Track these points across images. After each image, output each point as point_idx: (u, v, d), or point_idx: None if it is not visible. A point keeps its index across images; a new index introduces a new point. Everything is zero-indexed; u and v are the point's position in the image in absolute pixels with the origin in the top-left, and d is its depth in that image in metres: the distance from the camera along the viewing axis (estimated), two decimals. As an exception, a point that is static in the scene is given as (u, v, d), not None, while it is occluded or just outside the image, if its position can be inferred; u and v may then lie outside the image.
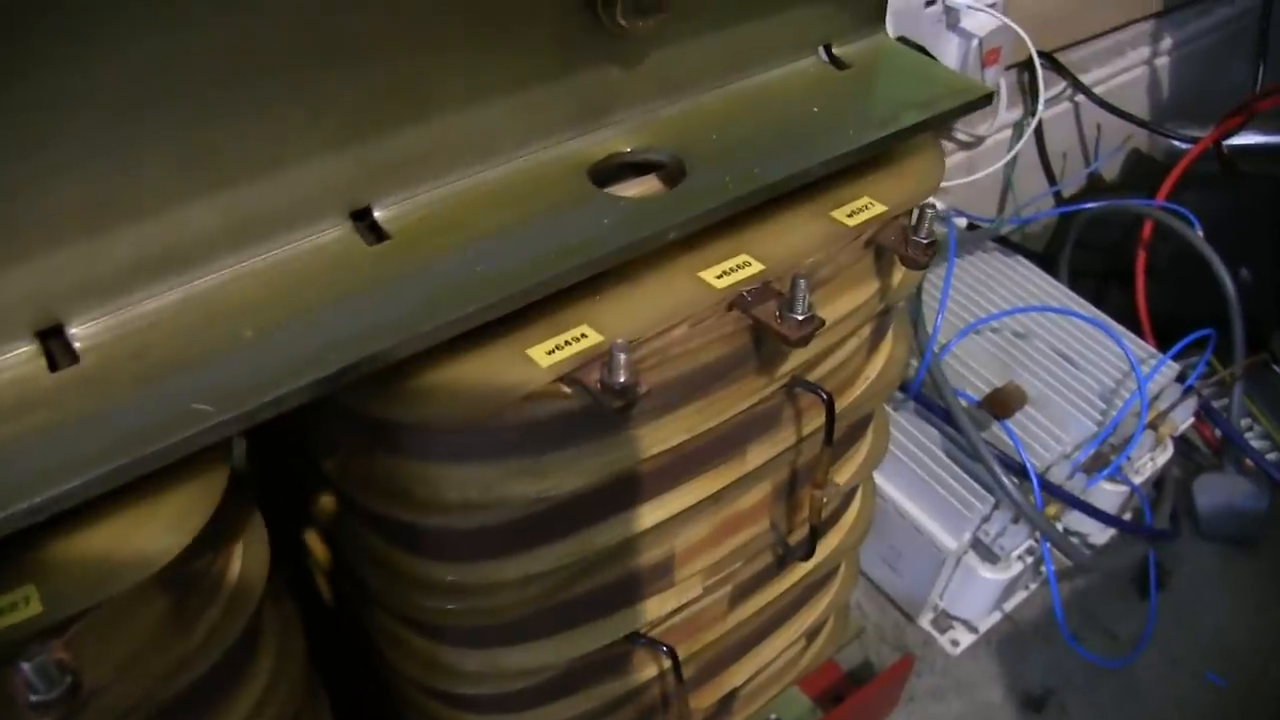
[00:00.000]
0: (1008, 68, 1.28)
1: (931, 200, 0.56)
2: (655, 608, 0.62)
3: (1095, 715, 1.08)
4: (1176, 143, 1.51)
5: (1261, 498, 1.23)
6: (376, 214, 0.49)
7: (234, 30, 0.41)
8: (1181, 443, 1.27)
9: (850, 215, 0.55)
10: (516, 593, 0.55)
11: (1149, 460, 1.18)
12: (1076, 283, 1.29)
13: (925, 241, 0.55)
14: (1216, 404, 1.27)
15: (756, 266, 0.51)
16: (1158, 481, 1.24)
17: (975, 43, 1.15)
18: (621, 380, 0.44)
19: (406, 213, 0.49)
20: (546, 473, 0.50)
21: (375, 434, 0.49)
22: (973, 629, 1.15)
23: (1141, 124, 1.48)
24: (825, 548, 0.71)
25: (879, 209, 0.56)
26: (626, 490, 0.55)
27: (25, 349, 0.43)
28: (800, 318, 0.49)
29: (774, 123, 0.57)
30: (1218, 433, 1.28)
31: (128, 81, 0.40)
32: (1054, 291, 1.23)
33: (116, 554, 0.41)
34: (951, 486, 1.05)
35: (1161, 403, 1.15)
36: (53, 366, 0.43)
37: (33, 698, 0.37)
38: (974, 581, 1.09)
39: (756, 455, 0.60)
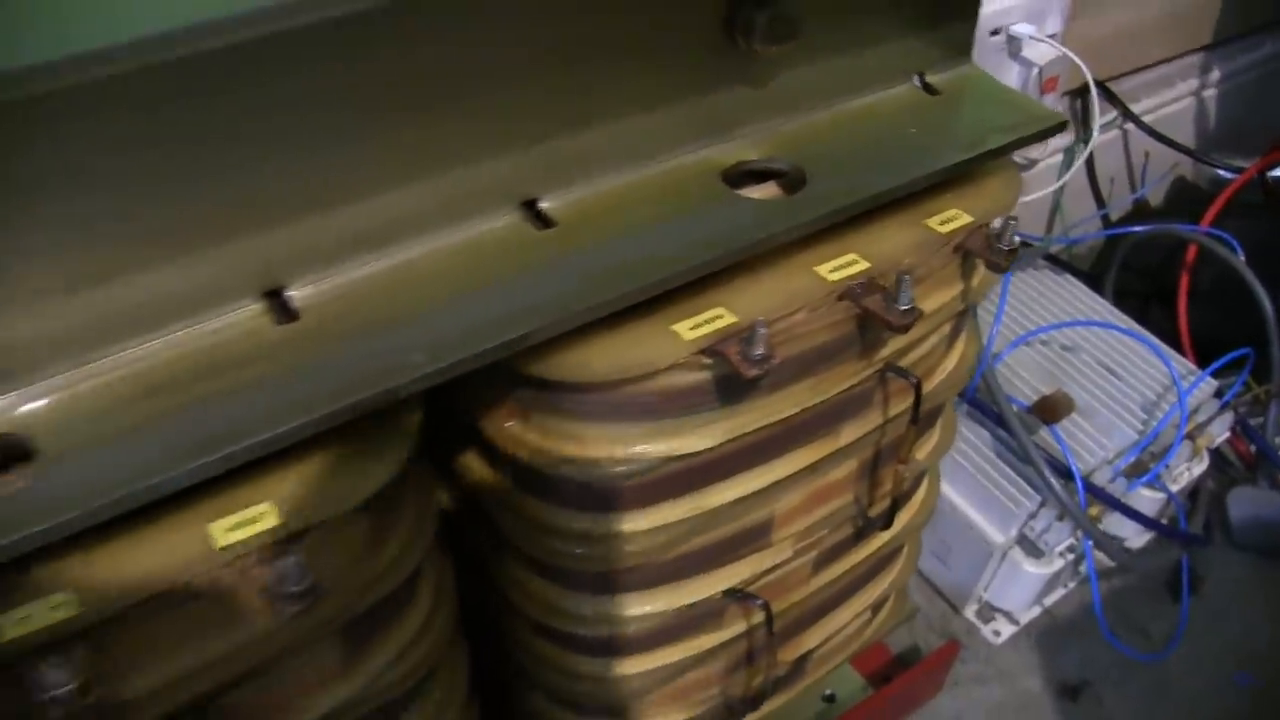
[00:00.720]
0: (1062, 95, 1.36)
1: (1014, 213, 0.65)
2: (753, 566, 0.71)
3: (1128, 706, 1.16)
4: (1221, 172, 1.59)
5: (1292, 510, 1.31)
6: (543, 204, 0.57)
7: (453, 51, 0.50)
8: (1216, 456, 1.35)
9: (942, 224, 0.64)
10: (641, 543, 0.63)
11: (1185, 470, 1.25)
12: (1120, 302, 1.37)
13: (1007, 249, 0.64)
14: (1252, 421, 1.35)
15: (863, 264, 0.60)
16: (1192, 492, 1.31)
17: (1035, 71, 1.24)
18: (760, 352, 0.53)
19: (569, 205, 0.58)
20: (679, 434, 0.59)
21: (536, 394, 0.58)
22: (1014, 621, 1.23)
23: (1188, 153, 1.56)
24: (897, 524, 0.80)
25: (966, 219, 0.65)
26: (740, 456, 0.64)
27: (253, 307, 0.52)
28: (904, 308, 0.58)
29: (877, 140, 0.65)
30: (1252, 448, 1.35)
31: (375, 85, 0.49)
32: (1099, 308, 1.31)
33: (338, 480, 0.50)
34: (1001, 485, 1.13)
35: (1199, 416, 1.23)
36: (277, 322, 0.52)
37: (291, 588, 0.46)
38: (1018, 575, 1.17)
39: (850, 432, 0.68)
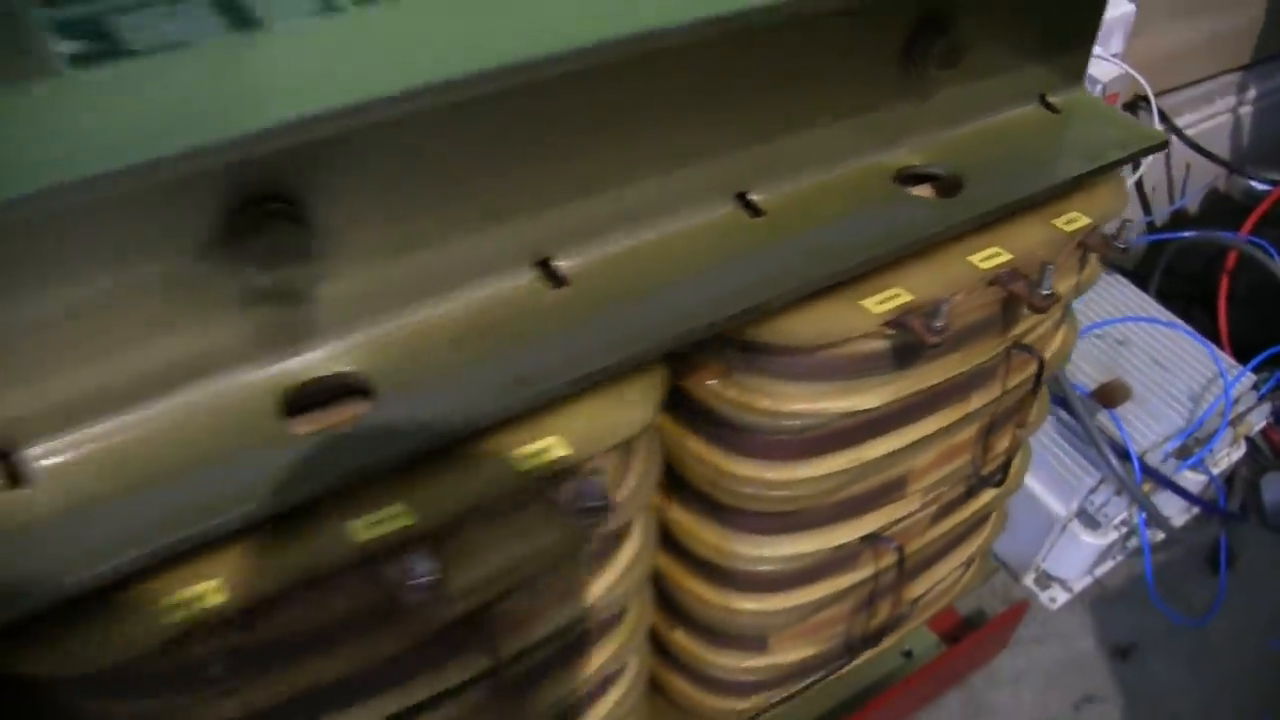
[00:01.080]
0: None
1: (1129, 215, 0.77)
2: (889, 515, 0.83)
3: (1173, 666, 1.29)
4: (1254, 184, 1.72)
5: (1321, 496, 1.44)
6: (753, 197, 0.69)
7: (692, 79, 0.62)
8: (1250, 444, 1.47)
9: (1067, 224, 0.76)
10: (808, 489, 0.76)
11: (1226, 455, 1.38)
12: (1164, 303, 1.49)
13: (1123, 247, 0.76)
14: (1284, 413, 1.48)
15: (1006, 255, 0.72)
16: (1229, 477, 1.44)
17: (1099, 87, 1.36)
18: (940, 324, 0.65)
19: (773, 198, 0.69)
20: (855, 394, 0.71)
21: (741, 355, 0.69)
22: (1068, 589, 1.36)
23: (1226, 165, 1.69)
24: (992, 491, 0.92)
25: (1086, 220, 0.77)
26: (894, 416, 0.76)
27: (530, 274, 0.63)
28: (1045, 292, 0.70)
29: (1014, 151, 0.78)
30: (1284, 438, 1.48)
31: (628, 109, 0.60)
32: (1149, 306, 1.44)
33: (610, 419, 0.62)
34: (1064, 462, 1.25)
35: (1239, 406, 1.36)
36: (553, 287, 0.63)
37: (589, 504, 0.58)
38: (1076, 546, 1.30)
39: (978, 399, 0.81)
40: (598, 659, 0.75)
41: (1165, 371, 1.36)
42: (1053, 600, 1.34)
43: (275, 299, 0.54)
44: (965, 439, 0.84)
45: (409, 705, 0.63)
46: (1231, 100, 1.75)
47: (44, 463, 0.51)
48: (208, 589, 0.51)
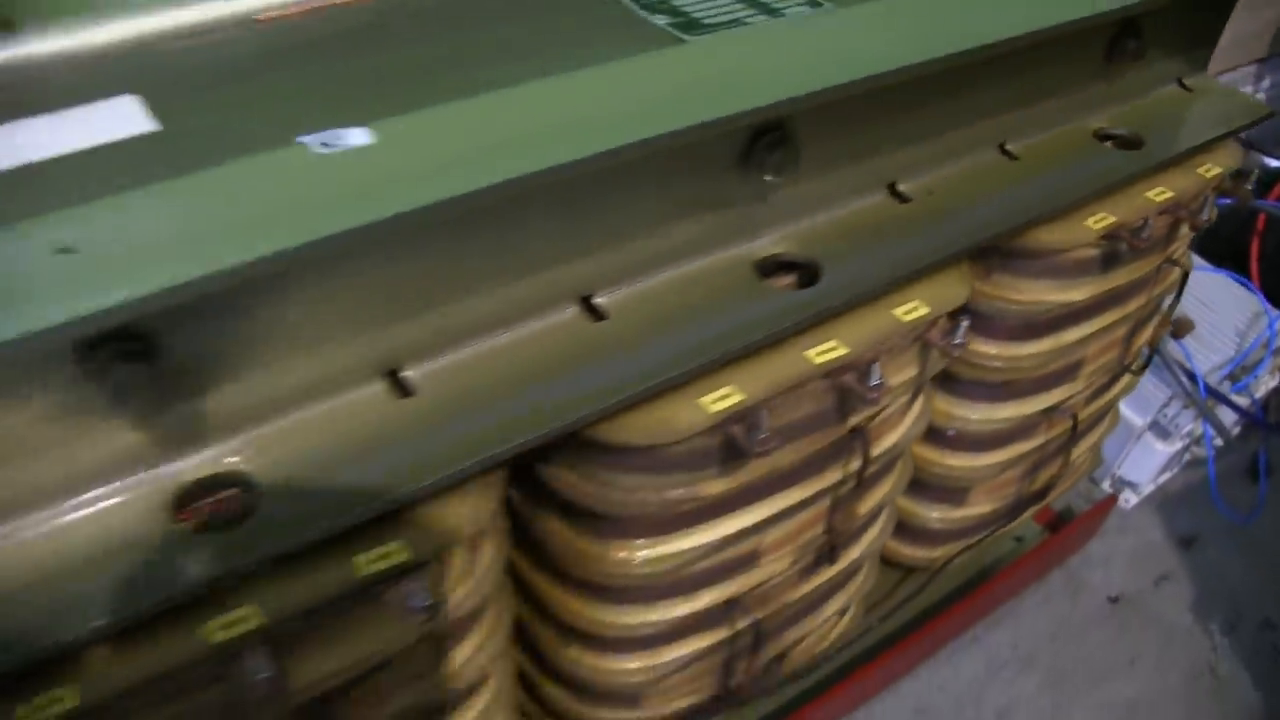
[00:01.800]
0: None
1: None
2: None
3: (1228, 553, 1.60)
4: (1270, 161, 2.05)
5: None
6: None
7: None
8: (1281, 375, 1.80)
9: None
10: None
11: (1265, 382, 1.70)
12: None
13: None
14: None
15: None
16: (1266, 402, 1.76)
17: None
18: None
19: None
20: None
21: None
22: (1139, 492, 1.66)
23: (1249, 145, 2.01)
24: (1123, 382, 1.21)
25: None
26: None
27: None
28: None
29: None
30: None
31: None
32: (1197, 260, 1.75)
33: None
34: (1141, 382, 1.56)
35: (1276, 342, 1.68)
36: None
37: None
38: (1148, 453, 1.60)
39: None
40: (886, 487, 0.94)
41: (1214, 312, 1.67)
42: (1127, 501, 1.65)
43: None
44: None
45: (810, 494, 0.82)
46: (1249, 89, 2.07)
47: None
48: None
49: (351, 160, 0.56)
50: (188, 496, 0.59)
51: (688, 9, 0.77)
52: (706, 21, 0.75)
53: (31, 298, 0.47)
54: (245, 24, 0.70)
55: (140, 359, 0.53)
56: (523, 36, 0.75)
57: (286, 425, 0.63)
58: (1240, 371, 1.63)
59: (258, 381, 0.60)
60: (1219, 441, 1.64)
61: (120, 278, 0.48)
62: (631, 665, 0.91)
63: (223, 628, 0.57)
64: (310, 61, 0.69)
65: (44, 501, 0.56)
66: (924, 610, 1.35)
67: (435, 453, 0.62)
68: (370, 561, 0.61)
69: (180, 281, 0.48)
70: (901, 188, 0.88)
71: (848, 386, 0.78)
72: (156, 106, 0.62)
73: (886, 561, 1.23)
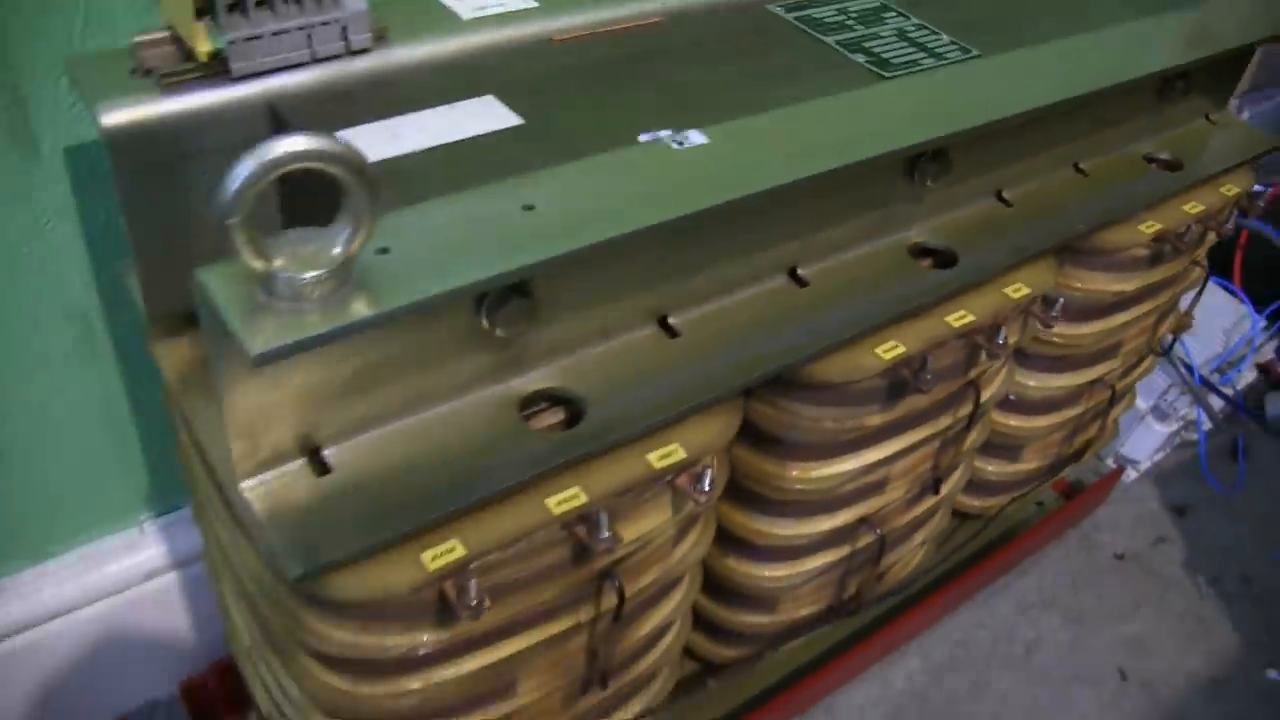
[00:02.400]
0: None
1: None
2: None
3: (1216, 521, 1.87)
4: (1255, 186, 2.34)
5: (1307, 409, 2.05)
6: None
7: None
8: (1260, 371, 2.08)
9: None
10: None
11: (1246, 376, 1.98)
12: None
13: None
14: (1280, 350, 2.09)
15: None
16: (1245, 393, 2.04)
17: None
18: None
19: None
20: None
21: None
22: (1138, 468, 1.94)
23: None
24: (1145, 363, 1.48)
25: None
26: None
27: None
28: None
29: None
30: None
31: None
32: (1191, 268, 2.03)
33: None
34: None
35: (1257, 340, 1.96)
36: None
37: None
38: (1149, 433, 1.88)
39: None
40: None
41: (1206, 314, 1.94)
42: (1128, 476, 1.92)
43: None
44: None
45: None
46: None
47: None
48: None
49: (700, 155, 0.79)
50: (529, 403, 0.79)
51: (875, 49, 1.01)
52: (894, 61, 1.00)
53: (511, 243, 0.66)
54: (543, 42, 0.93)
55: (521, 295, 0.72)
56: (769, 66, 0.98)
57: (597, 354, 0.85)
58: (1226, 366, 1.91)
59: (581, 321, 0.82)
60: (1209, 425, 1.92)
61: (571, 232, 0.68)
62: (778, 573, 1.15)
63: (559, 503, 0.75)
64: (615, 75, 0.92)
65: (439, 399, 0.75)
66: (964, 560, 1.61)
67: (700, 380, 0.83)
68: (660, 459, 0.80)
69: (605, 237, 0.68)
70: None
71: (978, 344, 1.03)
72: (512, 104, 0.85)
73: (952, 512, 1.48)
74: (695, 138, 0.79)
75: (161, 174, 0.73)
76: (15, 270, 0.91)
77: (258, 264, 0.56)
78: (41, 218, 0.90)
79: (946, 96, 0.96)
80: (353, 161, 0.54)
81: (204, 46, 0.68)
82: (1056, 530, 1.76)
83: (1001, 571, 1.66)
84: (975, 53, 1.03)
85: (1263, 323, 1.91)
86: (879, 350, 0.96)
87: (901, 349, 0.97)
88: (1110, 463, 1.92)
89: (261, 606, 0.83)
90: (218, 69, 0.70)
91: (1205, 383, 1.83)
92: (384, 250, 0.62)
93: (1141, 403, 1.83)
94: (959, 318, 1.02)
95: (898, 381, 0.99)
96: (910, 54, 1.00)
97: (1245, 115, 2.36)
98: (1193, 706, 1.56)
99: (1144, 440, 1.87)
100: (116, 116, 0.69)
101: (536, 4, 0.93)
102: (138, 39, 0.70)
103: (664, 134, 0.79)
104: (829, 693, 1.46)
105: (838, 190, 0.91)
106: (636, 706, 1.08)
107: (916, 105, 0.93)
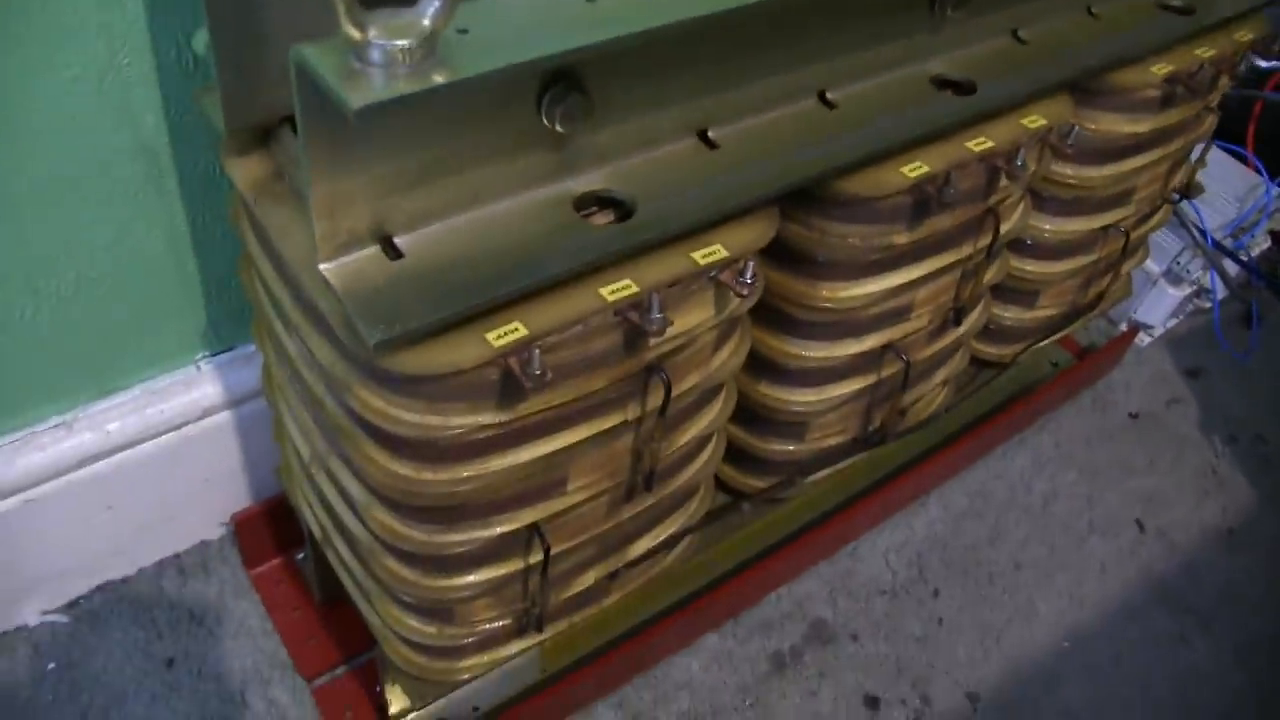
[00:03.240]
0: None
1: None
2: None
3: (1227, 382, 1.95)
4: (1263, 62, 2.40)
5: (1319, 277, 2.13)
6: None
7: None
8: (1273, 238, 2.16)
9: (704, 256, 0.89)
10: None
11: (1260, 242, 2.06)
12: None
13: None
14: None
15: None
16: (1259, 261, 2.12)
17: None
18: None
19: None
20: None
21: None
22: (1151, 333, 2.02)
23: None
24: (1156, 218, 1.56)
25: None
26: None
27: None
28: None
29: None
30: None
31: None
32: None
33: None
34: (1159, 234, 1.91)
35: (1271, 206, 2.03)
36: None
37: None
38: (1163, 297, 1.96)
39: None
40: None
41: (1216, 180, 2.02)
42: (1142, 340, 2.00)
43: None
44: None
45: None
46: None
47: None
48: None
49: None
50: (583, 204, 0.86)
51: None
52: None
53: (574, 28, 0.73)
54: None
55: (579, 91, 0.79)
56: None
57: (644, 161, 0.93)
58: (1239, 231, 1.98)
59: (630, 128, 0.90)
60: (1223, 291, 2.00)
61: (626, 21, 0.75)
62: (808, 398, 1.24)
63: (612, 291, 0.83)
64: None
65: (502, 194, 0.83)
66: (982, 414, 1.70)
67: (737, 188, 0.90)
68: (703, 256, 0.88)
69: (655, 24, 0.76)
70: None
71: (998, 168, 1.11)
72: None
73: (971, 359, 1.57)
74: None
75: (243, -12, 0.80)
76: (93, 103, 0.98)
77: (355, 33, 0.64)
78: (118, 52, 0.97)
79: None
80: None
81: None
82: (1072, 389, 1.84)
83: (1018, 428, 1.75)
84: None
85: (1276, 189, 1.98)
86: (904, 169, 1.04)
87: (925, 168, 1.05)
88: (1124, 327, 2.00)
89: (328, 404, 0.93)
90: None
91: (1219, 247, 1.90)
92: (463, 31, 0.70)
93: (1155, 266, 1.91)
94: (979, 143, 1.10)
95: (922, 200, 1.07)
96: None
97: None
98: (1210, 556, 1.65)
99: (1158, 304, 1.95)
100: (201, -85, 0.77)
101: None
102: None
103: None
104: (855, 536, 1.55)
105: (864, 14, 0.98)
106: (674, 525, 1.17)
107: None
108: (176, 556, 1.42)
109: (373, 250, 0.81)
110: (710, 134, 0.95)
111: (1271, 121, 2.13)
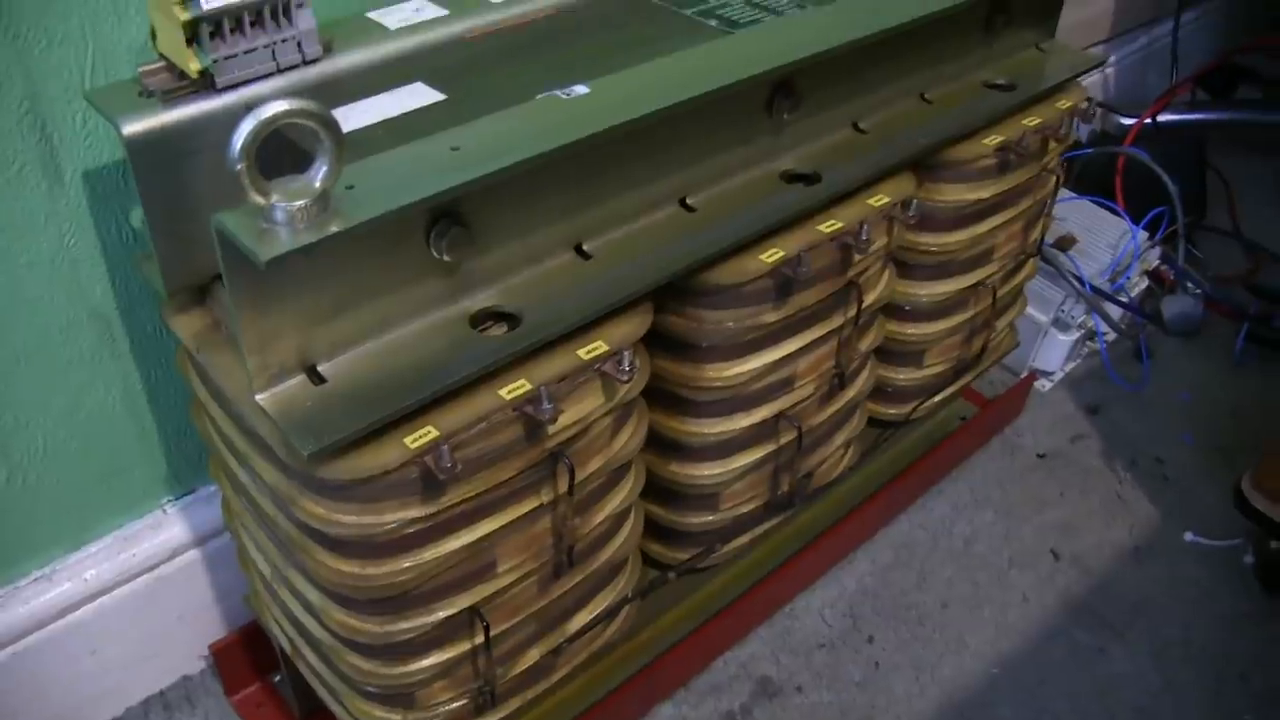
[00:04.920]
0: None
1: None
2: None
3: (1126, 416, 2.12)
4: (1123, 119, 2.64)
5: (1198, 308, 2.32)
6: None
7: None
8: (1150, 277, 2.35)
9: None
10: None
11: (1136, 285, 2.25)
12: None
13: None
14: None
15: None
16: (1140, 299, 2.31)
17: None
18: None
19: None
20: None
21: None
22: (1050, 378, 2.19)
23: (1106, 107, 2.60)
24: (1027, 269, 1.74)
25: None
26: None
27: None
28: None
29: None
30: (1170, 273, 2.37)
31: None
32: (1070, 194, 2.30)
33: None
34: (1042, 289, 2.09)
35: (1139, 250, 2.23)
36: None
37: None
38: (1054, 343, 2.13)
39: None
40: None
41: (1089, 232, 2.22)
42: (1043, 386, 2.18)
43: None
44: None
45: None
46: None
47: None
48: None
49: (584, 100, 1.02)
50: (477, 321, 0.95)
51: (725, 13, 1.28)
52: (741, 21, 1.26)
53: (443, 173, 0.86)
54: (458, 39, 1.18)
55: (459, 225, 0.90)
56: (639, 35, 1.23)
57: (527, 277, 1.06)
58: (1115, 275, 2.18)
59: (512, 249, 1.03)
60: (1110, 336, 2.18)
61: (487, 160, 0.87)
62: (714, 470, 1.37)
63: (509, 391, 0.92)
64: (516, 57, 1.17)
65: (406, 319, 0.93)
66: (897, 470, 1.86)
67: (611, 290, 1.00)
68: (587, 353, 0.98)
69: (513, 160, 0.89)
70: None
71: (848, 245, 1.28)
72: (435, 87, 1.10)
73: (870, 421, 1.73)
74: (580, 89, 1.04)
75: (170, 169, 0.96)
76: (46, 284, 1.13)
77: (260, 199, 0.80)
78: (66, 235, 1.13)
79: (784, 37, 1.21)
80: (323, 115, 0.78)
81: (194, 66, 0.92)
82: (981, 438, 2.00)
83: (934, 479, 1.90)
84: (809, 8, 1.29)
85: (1142, 232, 2.18)
86: (762, 256, 1.21)
87: (780, 253, 1.21)
88: (1024, 377, 2.17)
89: (279, 519, 1.06)
90: (206, 84, 0.94)
91: (1098, 291, 2.09)
92: (350, 186, 0.86)
93: (1042, 316, 2.09)
94: (829, 225, 1.27)
95: (783, 281, 1.23)
96: (755, 15, 1.26)
97: (1112, 59, 2.66)
98: (1121, 573, 1.80)
99: (1052, 351, 2.13)
100: (133, 127, 0.93)
101: (448, 12, 1.18)
102: (141, 69, 0.94)
103: (556, 90, 1.04)
104: (790, 597, 1.69)
105: (707, 126, 1.15)
106: (608, 599, 1.25)
107: (759, 47, 1.18)
108: (161, 693, 1.52)
109: (300, 378, 0.94)
110: (585, 246, 1.11)
111: (1131, 173, 2.34)
